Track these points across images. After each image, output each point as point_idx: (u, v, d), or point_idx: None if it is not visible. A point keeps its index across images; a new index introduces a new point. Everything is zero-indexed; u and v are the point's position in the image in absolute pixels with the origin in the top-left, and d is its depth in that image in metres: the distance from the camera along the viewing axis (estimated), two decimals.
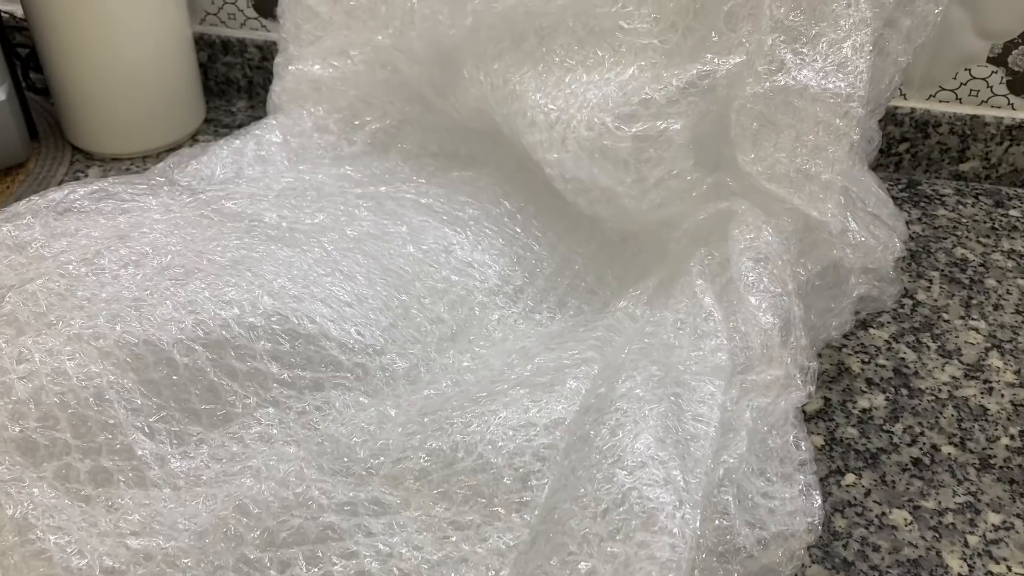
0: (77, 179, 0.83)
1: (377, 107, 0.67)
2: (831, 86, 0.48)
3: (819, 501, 0.41)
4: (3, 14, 0.88)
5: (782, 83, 0.49)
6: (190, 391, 0.45)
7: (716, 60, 0.51)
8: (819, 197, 0.49)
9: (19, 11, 0.81)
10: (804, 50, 0.49)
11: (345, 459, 0.41)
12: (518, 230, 0.59)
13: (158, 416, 0.44)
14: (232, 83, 0.95)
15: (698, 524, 0.36)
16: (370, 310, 0.49)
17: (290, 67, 0.68)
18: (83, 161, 0.85)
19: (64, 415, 0.42)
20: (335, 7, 0.65)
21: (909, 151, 0.84)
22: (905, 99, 0.82)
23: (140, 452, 0.43)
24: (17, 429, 0.42)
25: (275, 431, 0.44)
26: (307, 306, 0.47)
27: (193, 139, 0.89)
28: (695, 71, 0.51)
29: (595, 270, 0.59)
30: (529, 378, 0.43)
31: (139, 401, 0.44)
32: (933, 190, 0.83)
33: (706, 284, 0.49)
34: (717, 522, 0.38)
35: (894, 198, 0.82)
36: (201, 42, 0.92)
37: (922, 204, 0.81)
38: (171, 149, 0.87)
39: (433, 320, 0.51)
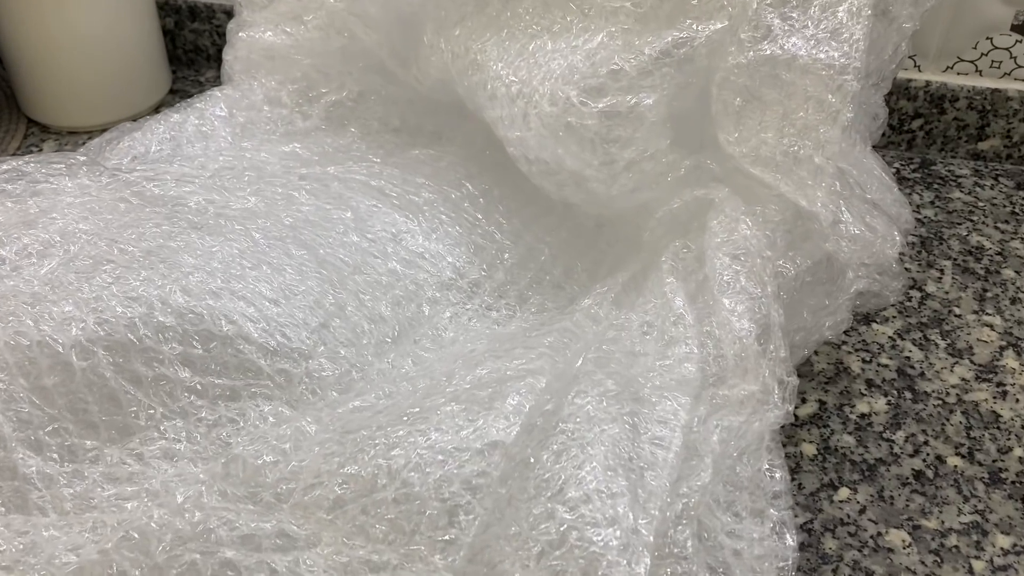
0: (30, 152, 0.78)
1: (334, 78, 0.61)
2: (823, 56, 0.42)
3: (793, 543, 0.36)
4: None
5: (768, 52, 0.43)
6: (88, 400, 0.40)
7: (695, 26, 0.45)
8: (808, 183, 0.43)
9: None
10: (793, 15, 0.43)
11: (252, 483, 0.36)
12: (479, 216, 0.53)
13: (49, 428, 0.39)
14: (201, 51, 0.90)
15: (646, 571, 0.31)
16: (298, 308, 0.43)
17: (240, 34, 0.62)
18: (38, 135, 0.80)
19: None
20: None
21: (923, 128, 0.78)
22: (919, 71, 0.76)
23: (24, 471, 0.38)
24: None
25: (180, 447, 0.39)
26: (226, 304, 0.42)
27: (156, 110, 0.83)
28: (670, 39, 0.45)
29: (563, 261, 0.53)
30: (467, 391, 0.38)
31: (28, 410, 0.39)
32: (948, 171, 0.77)
33: (677, 283, 0.43)
34: (671, 568, 0.33)
35: (905, 179, 0.75)
36: (167, 7, 0.87)
37: (935, 186, 0.75)
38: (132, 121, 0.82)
39: (372, 319, 0.45)
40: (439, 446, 0.35)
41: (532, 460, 0.35)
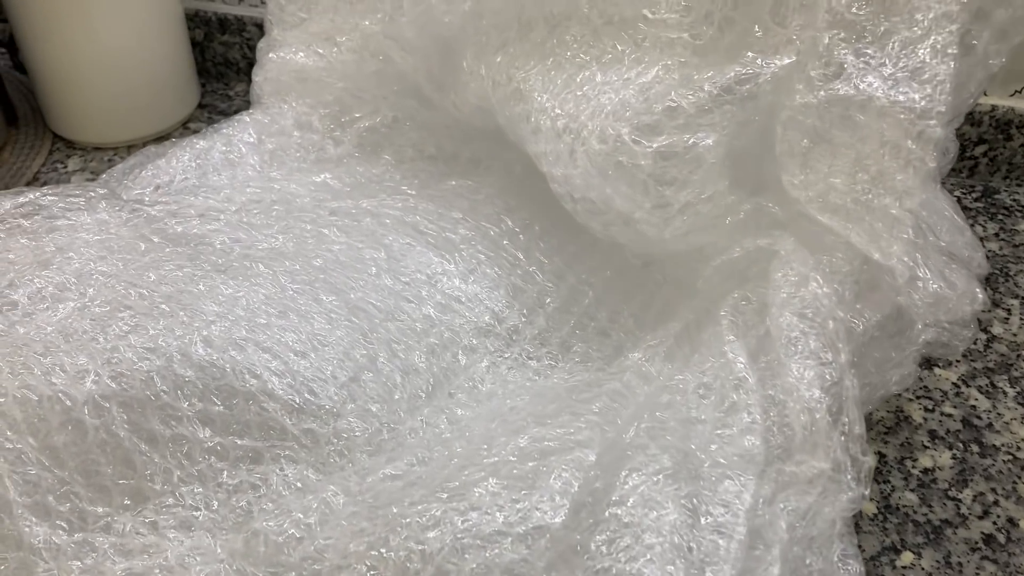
0: (55, 170, 0.76)
1: (368, 102, 0.58)
2: (902, 98, 0.38)
3: None
4: None
5: (841, 92, 0.39)
6: (99, 461, 0.37)
7: (759, 61, 0.41)
8: (883, 235, 0.39)
9: None
10: (869, 51, 0.39)
11: (275, 563, 0.33)
12: (519, 255, 0.50)
13: (58, 492, 0.36)
14: (231, 64, 0.87)
15: None
16: (327, 361, 0.40)
17: (271, 55, 0.59)
18: (64, 150, 0.78)
19: None
20: None
21: (987, 155, 0.73)
22: (985, 95, 0.71)
23: (31, 540, 0.35)
24: None
25: (199, 515, 0.36)
26: (250, 356, 0.39)
27: (184, 126, 0.81)
28: (733, 74, 0.41)
29: (609, 305, 0.50)
30: (509, 464, 0.34)
31: (35, 472, 0.36)
32: (1014, 200, 0.72)
33: (738, 340, 0.39)
34: None
35: (967, 209, 0.71)
36: (197, 19, 0.84)
37: (1000, 217, 0.71)
38: (160, 138, 0.79)
39: (405, 371, 0.42)
40: (478, 529, 0.32)
41: (580, 548, 0.32)
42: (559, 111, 0.46)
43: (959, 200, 0.72)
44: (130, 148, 0.78)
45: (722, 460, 0.35)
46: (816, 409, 0.36)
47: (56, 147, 0.78)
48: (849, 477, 0.35)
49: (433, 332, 0.45)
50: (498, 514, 0.32)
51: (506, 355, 0.46)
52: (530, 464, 0.34)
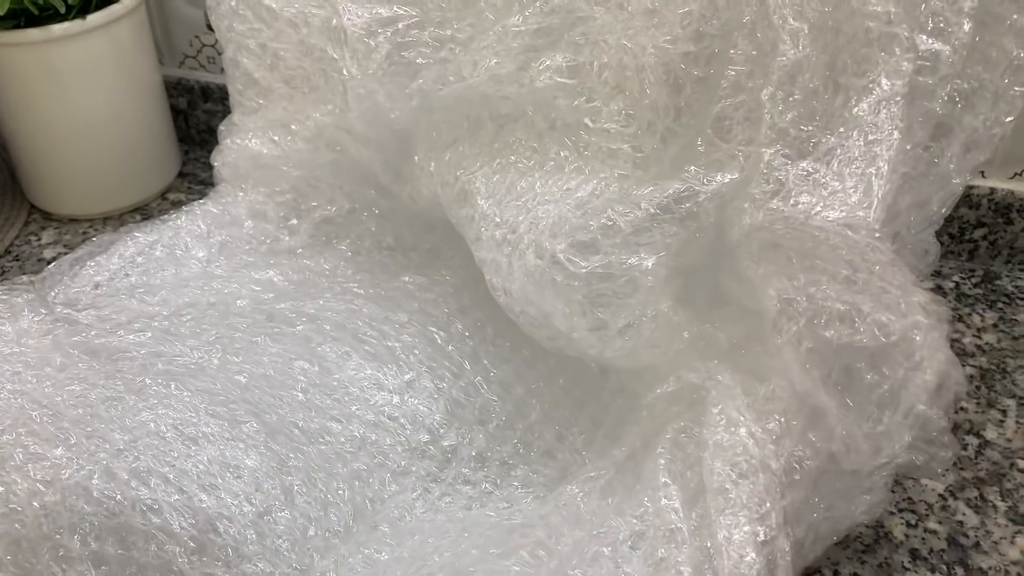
0: (28, 242, 0.75)
1: (324, 191, 0.56)
2: (838, 215, 0.35)
3: None
4: None
5: (782, 211, 0.36)
6: None
7: (701, 178, 0.38)
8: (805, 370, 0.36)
9: None
10: (810, 167, 0.36)
11: None
12: (465, 364, 0.47)
13: None
14: (214, 132, 0.85)
15: None
16: (235, 495, 0.38)
17: (227, 140, 0.58)
18: (39, 222, 0.78)
19: None
20: (273, 74, 0.54)
21: (986, 238, 0.70)
22: (983, 177, 0.68)
23: None
24: None
25: None
26: (153, 491, 0.37)
27: (163, 196, 0.80)
28: (672, 191, 0.38)
29: (557, 420, 0.47)
30: None
31: None
32: (1016, 287, 0.68)
33: (674, 485, 0.36)
34: None
35: (964, 296, 0.67)
36: (180, 87, 0.84)
37: (1000, 305, 0.67)
38: (137, 209, 0.79)
39: (324, 503, 0.40)
40: None
41: None
42: (499, 219, 0.43)
43: (957, 286, 0.68)
44: (106, 220, 0.77)
45: None
46: (747, 571, 0.33)
47: (32, 218, 0.78)
48: None
49: (360, 456, 0.42)
50: None
51: (440, 479, 0.43)
52: None
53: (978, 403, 0.59)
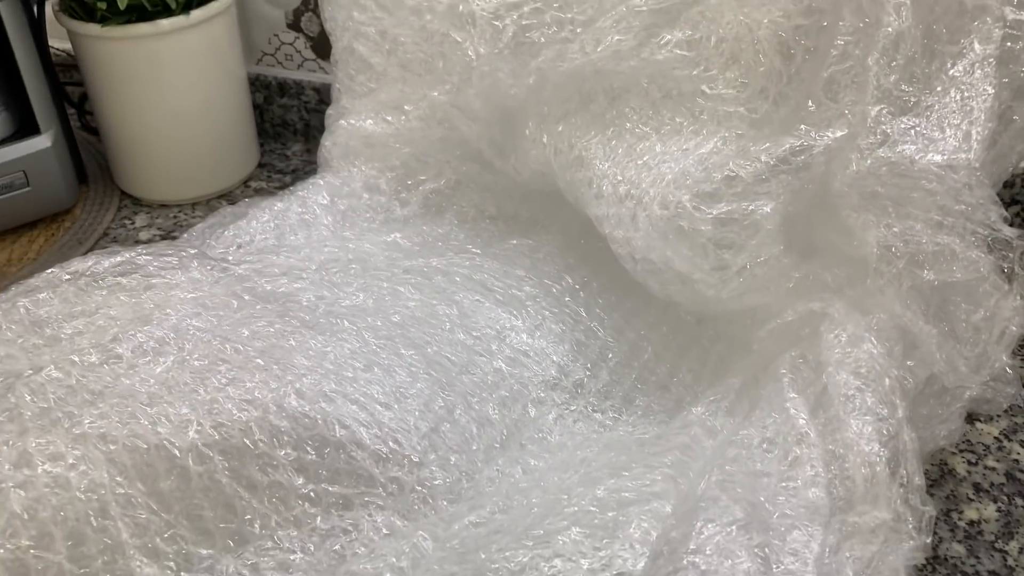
0: (123, 226, 0.80)
1: (432, 166, 0.62)
2: (939, 158, 0.41)
3: None
4: (60, 53, 0.86)
5: (887, 156, 0.42)
6: (203, 506, 0.40)
7: (813, 133, 0.44)
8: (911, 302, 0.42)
9: None
10: (911, 121, 0.42)
11: None
12: (581, 311, 0.53)
13: (166, 535, 0.39)
14: (288, 126, 0.92)
15: None
16: (410, 413, 0.43)
17: (341, 121, 0.63)
18: (131, 207, 0.82)
19: (61, 533, 0.38)
20: (389, 59, 0.60)
21: (1020, 215, 0.76)
22: None
23: None
24: (8, 548, 0.37)
25: (295, 558, 0.39)
26: (339, 408, 0.42)
27: (245, 184, 0.85)
28: (788, 146, 0.44)
29: (667, 360, 0.52)
30: (589, 514, 0.37)
31: (145, 516, 0.39)
32: None
33: (798, 397, 0.42)
34: None
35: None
36: (257, 83, 0.89)
37: None
38: (222, 196, 0.83)
39: (481, 422, 0.45)
40: (563, 575, 0.34)
41: None
42: (620, 177, 0.49)
43: None
44: (194, 205, 0.82)
45: (789, 512, 0.37)
46: (876, 462, 0.38)
47: (124, 204, 0.83)
48: (910, 526, 0.37)
49: (504, 385, 0.47)
50: (582, 560, 0.35)
51: (572, 407, 0.49)
52: (609, 514, 0.36)
53: (1023, 359, 0.65)
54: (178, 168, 0.80)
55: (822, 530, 0.36)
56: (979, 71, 0.41)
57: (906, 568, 0.36)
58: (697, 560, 0.34)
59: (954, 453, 0.58)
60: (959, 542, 0.52)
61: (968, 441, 0.59)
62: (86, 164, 0.85)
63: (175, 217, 0.81)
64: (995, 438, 0.59)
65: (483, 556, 0.36)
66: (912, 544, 0.37)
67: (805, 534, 0.36)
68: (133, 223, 0.81)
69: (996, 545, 0.52)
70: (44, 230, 0.78)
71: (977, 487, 0.56)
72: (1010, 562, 0.51)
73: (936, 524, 0.53)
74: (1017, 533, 0.53)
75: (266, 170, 0.87)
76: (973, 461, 0.57)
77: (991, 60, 0.41)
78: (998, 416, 0.60)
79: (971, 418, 0.60)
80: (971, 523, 0.53)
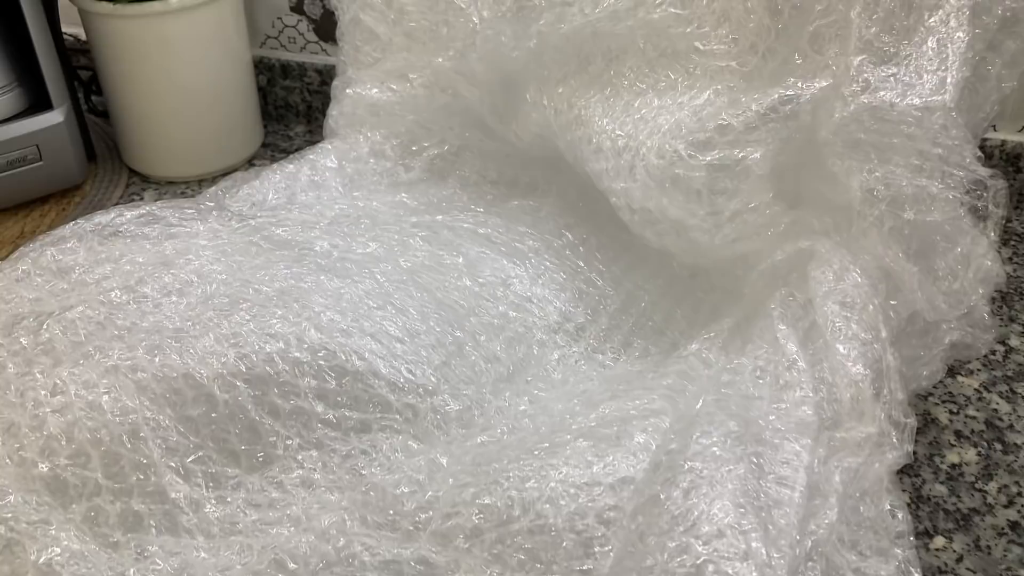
0: (132, 201, 0.82)
1: (436, 133, 0.64)
2: (918, 101, 0.43)
3: None
4: (68, 37, 0.88)
5: (868, 102, 0.45)
6: (229, 430, 0.42)
7: (800, 84, 0.47)
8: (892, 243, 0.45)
9: (83, 34, 0.81)
10: (891, 70, 0.45)
11: (391, 512, 0.38)
12: (580, 263, 0.55)
13: (194, 456, 0.41)
14: (291, 107, 0.94)
15: None
16: (422, 347, 0.45)
17: (348, 90, 0.66)
18: (139, 184, 0.85)
19: (96, 452, 0.40)
20: (395, 28, 0.62)
21: None
22: (995, 131, 0.77)
23: (173, 495, 0.40)
24: (47, 466, 0.39)
25: (318, 476, 0.41)
26: (356, 341, 0.44)
27: (249, 163, 0.87)
28: (777, 96, 0.47)
29: (663, 308, 0.55)
30: (593, 429, 0.39)
31: (175, 439, 0.41)
32: None
33: (788, 329, 0.44)
34: None
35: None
36: (261, 66, 0.91)
37: (1013, 243, 0.76)
38: (227, 173, 0.85)
39: (488, 359, 0.47)
40: (571, 480, 0.37)
41: (662, 496, 0.36)
42: (619, 132, 0.51)
43: None
44: (200, 182, 0.84)
45: (781, 427, 0.40)
46: (861, 382, 0.41)
47: (132, 181, 0.85)
48: (894, 438, 0.39)
49: (509, 327, 0.50)
50: (587, 468, 0.37)
51: (574, 349, 0.51)
52: (613, 428, 0.39)
53: (1002, 319, 0.68)
54: (185, 146, 0.83)
55: (812, 443, 0.39)
56: (953, 20, 0.44)
57: (889, 475, 0.39)
58: (696, 465, 0.36)
59: (937, 404, 0.61)
60: (941, 483, 0.55)
61: (950, 393, 0.62)
62: (94, 144, 0.87)
63: (182, 194, 0.83)
64: (975, 390, 0.62)
65: (495, 466, 0.38)
66: (895, 454, 0.39)
67: (796, 446, 0.39)
68: (141, 198, 0.83)
69: (976, 485, 0.55)
70: (55, 204, 0.80)
71: (959, 434, 0.58)
72: (989, 500, 0.54)
73: (920, 467, 0.56)
74: (996, 475, 0.55)
75: (269, 149, 0.89)
76: (955, 411, 0.60)
77: (964, 10, 0.44)
78: (978, 370, 0.63)
79: (953, 372, 0.63)
80: (953, 466, 0.56)
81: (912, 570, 0.36)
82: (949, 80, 0.43)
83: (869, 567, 0.36)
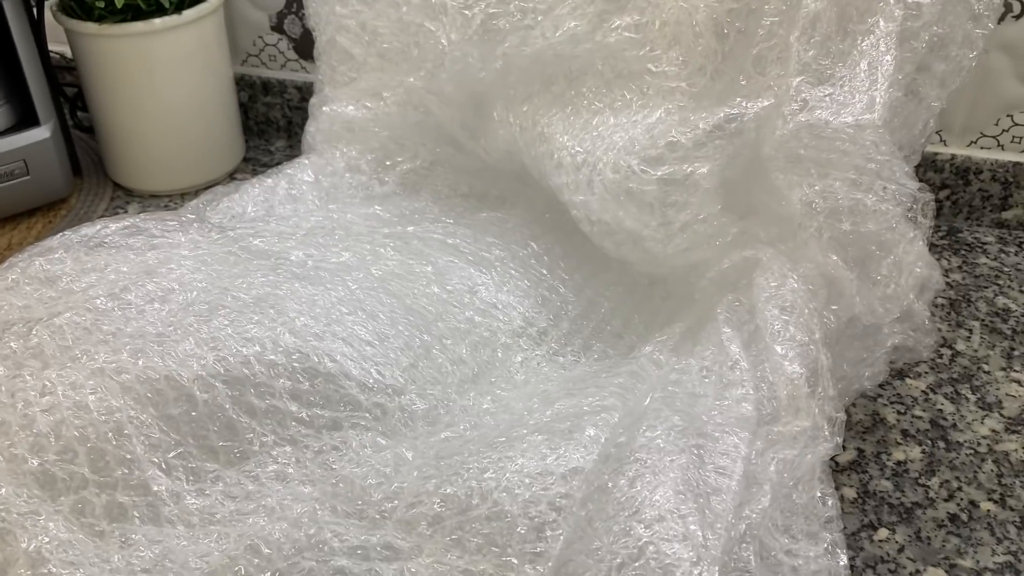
0: (116, 214, 0.85)
1: (409, 148, 0.68)
2: (850, 119, 0.47)
3: (845, 561, 0.39)
4: (54, 55, 0.91)
5: (805, 120, 0.48)
6: (208, 428, 0.45)
7: (744, 103, 0.50)
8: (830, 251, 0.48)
9: (69, 52, 0.84)
10: (827, 90, 0.48)
11: (359, 501, 0.41)
12: (544, 272, 0.59)
13: (175, 452, 0.44)
14: (271, 123, 0.97)
15: None
16: (391, 350, 0.48)
17: (324, 108, 0.69)
18: (123, 197, 0.87)
19: (83, 449, 0.43)
20: (369, 49, 0.66)
21: (949, 198, 0.83)
22: (945, 145, 0.81)
23: (156, 488, 0.43)
24: (36, 462, 0.42)
25: (291, 470, 0.44)
26: (328, 345, 0.47)
27: (231, 177, 0.90)
28: (723, 114, 0.50)
29: (622, 314, 0.58)
30: (548, 424, 0.42)
31: (157, 436, 0.44)
32: (974, 238, 0.81)
33: (733, 332, 0.48)
34: None
35: (934, 246, 0.80)
36: (242, 82, 0.94)
37: (962, 252, 0.80)
38: (208, 187, 0.88)
39: (455, 361, 0.50)
40: (526, 471, 0.40)
41: (610, 485, 0.39)
42: (578, 148, 0.55)
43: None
44: (183, 196, 0.87)
45: (722, 422, 0.43)
46: (797, 380, 0.44)
47: (116, 194, 0.87)
48: (826, 431, 0.42)
49: (475, 332, 0.53)
50: (541, 460, 0.40)
51: (536, 352, 0.54)
52: (566, 423, 0.42)
53: (949, 324, 0.71)
54: (168, 160, 0.85)
55: (750, 436, 0.42)
56: (883, 44, 0.47)
57: (821, 464, 0.42)
58: (641, 456, 0.40)
59: (886, 404, 0.64)
60: (887, 479, 0.58)
61: (898, 394, 0.65)
62: (80, 159, 0.90)
63: (165, 206, 0.86)
64: (922, 391, 0.65)
65: (457, 459, 0.41)
66: (827, 445, 0.43)
67: (736, 439, 0.42)
68: (126, 211, 0.85)
69: (919, 481, 0.58)
70: (42, 217, 0.82)
71: (905, 433, 0.62)
72: (931, 495, 0.57)
73: (867, 464, 0.59)
74: (938, 471, 0.59)
75: (251, 164, 0.92)
76: (902, 411, 0.64)
77: (893, 35, 0.47)
78: (925, 373, 0.67)
79: (901, 374, 0.66)
80: (898, 463, 0.59)
81: (839, 552, 0.40)
82: (878, 99, 0.46)
83: (800, 549, 0.39)
